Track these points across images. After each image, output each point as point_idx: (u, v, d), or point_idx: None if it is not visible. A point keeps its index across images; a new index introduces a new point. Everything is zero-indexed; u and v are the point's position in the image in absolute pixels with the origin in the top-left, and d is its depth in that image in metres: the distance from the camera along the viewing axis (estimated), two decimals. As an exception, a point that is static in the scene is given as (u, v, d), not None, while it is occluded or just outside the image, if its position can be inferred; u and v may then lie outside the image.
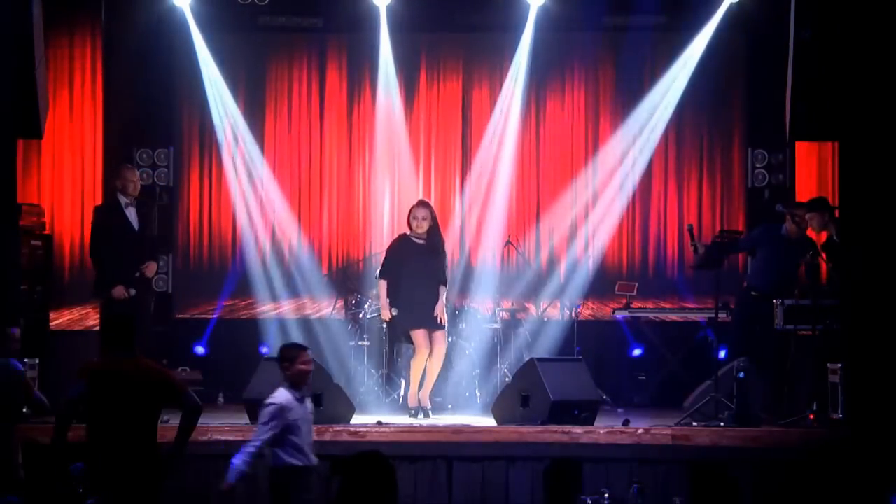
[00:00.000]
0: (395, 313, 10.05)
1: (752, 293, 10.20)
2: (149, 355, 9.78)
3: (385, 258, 10.33)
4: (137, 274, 9.84)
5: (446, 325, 10.21)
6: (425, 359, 10.02)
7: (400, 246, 10.24)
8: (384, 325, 11.27)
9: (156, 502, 6.63)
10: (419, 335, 10.01)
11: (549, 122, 12.93)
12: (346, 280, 11.94)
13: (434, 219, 10.18)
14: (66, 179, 11.05)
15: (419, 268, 10.06)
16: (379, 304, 10.37)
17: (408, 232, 10.23)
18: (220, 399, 11.32)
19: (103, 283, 9.88)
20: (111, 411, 6.54)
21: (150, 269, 10.00)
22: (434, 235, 10.14)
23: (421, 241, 10.13)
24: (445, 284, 10.22)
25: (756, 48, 12.11)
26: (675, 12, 12.40)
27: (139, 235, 9.95)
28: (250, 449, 6.90)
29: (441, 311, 10.04)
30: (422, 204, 10.28)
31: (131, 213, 9.96)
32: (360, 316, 11.64)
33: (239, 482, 6.87)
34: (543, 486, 6.06)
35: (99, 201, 11.01)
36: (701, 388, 10.03)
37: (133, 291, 9.78)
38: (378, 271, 10.37)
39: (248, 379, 9.60)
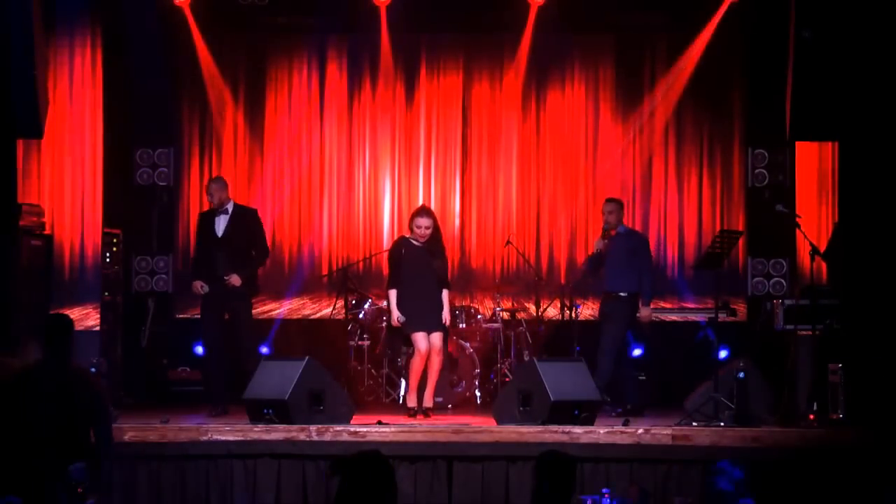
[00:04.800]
0: (402, 319, 9.96)
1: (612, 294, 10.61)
2: (242, 360, 9.95)
3: (390, 267, 10.19)
4: (226, 277, 10.18)
5: (447, 326, 10.07)
6: (424, 360, 9.92)
7: (400, 250, 10.08)
8: (384, 325, 11.29)
9: None
10: (418, 337, 9.90)
11: (548, 122, 12.92)
12: (346, 280, 11.93)
13: (436, 227, 10.04)
14: (66, 179, 11.04)
15: (418, 270, 9.96)
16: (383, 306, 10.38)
17: (407, 234, 10.12)
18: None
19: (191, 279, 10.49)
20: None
21: (232, 279, 10.20)
22: (434, 240, 10.03)
23: (419, 244, 10.03)
24: (448, 287, 10.14)
25: (756, 48, 12.09)
26: (676, 12, 12.40)
27: (220, 241, 10.25)
28: None
29: (447, 315, 9.98)
30: (425, 213, 10.06)
31: (220, 221, 10.32)
32: (360, 316, 11.63)
33: None
34: (535, 478, 5.87)
35: (99, 201, 11.11)
36: (701, 388, 10.03)
37: (206, 288, 10.19)
38: (387, 282, 10.26)
39: (248, 379, 9.58)
